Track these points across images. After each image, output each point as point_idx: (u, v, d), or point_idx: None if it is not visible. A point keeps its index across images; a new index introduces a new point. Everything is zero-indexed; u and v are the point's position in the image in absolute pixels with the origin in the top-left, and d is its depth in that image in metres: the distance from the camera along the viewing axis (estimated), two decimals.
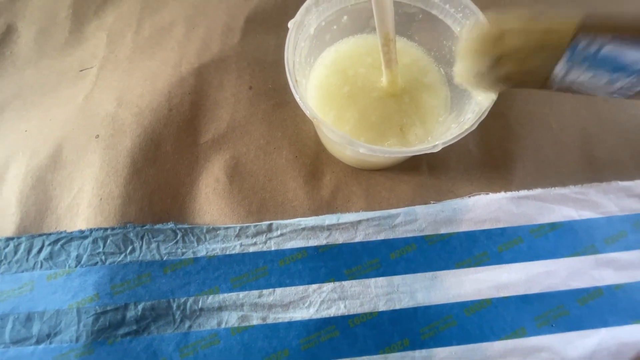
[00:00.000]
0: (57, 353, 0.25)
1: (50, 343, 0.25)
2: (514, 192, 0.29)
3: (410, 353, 0.25)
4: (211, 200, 0.29)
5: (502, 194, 0.29)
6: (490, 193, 0.29)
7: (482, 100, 0.24)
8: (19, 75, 0.35)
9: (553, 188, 0.29)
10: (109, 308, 0.25)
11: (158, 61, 0.34)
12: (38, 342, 0.25)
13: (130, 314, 0.25)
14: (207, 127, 0.32)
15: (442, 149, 0.23)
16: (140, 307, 0.26)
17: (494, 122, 0.31)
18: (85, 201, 0.28)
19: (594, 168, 0.30)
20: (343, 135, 0.23)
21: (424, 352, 0.25)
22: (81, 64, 0.35)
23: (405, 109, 0.28)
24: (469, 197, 0.29)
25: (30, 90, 0.34)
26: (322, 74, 0.29)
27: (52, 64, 0.35)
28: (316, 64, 0.30)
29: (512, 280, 0.27)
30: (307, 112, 0.23)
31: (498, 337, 0.25)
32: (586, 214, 0.29)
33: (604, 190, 0.29)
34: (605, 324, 0.25)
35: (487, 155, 0.31)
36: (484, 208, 0.29)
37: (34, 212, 0.29)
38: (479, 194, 0.29)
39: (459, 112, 0.26)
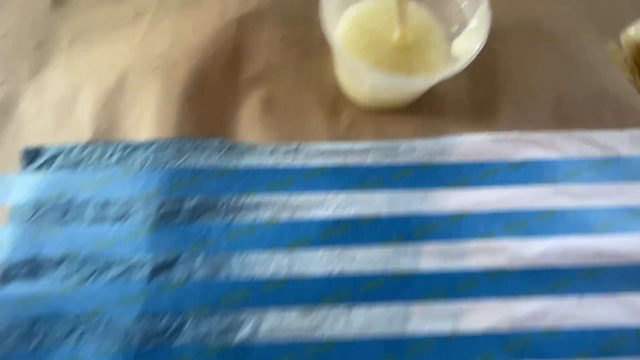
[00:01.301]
0: (129, 230, 0.31)
1: (123, 224, 0.32)
2: (494, 134, 0.36)
3: (402, 247, 0.32)
4: (250, 124, 0.35)
5: (485, 135, 0.36)
6: (476, 134, 0.36)
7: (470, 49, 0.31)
8: (83, 16, 0.41)
9: (527, 132, 0.36)
10: (168, 200, 0.32)
11: (205, 11, 0.40)
12: (114, 222, 0.32)
13: (185, 206, 0.32)
14: (246, 67, 0.38)
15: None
16: (193, 201, 0.32)
17: (483, 77, 0.38)
18: (148, 120, 0.35)
19: (562, 119, 0.37)
20: (367, 65, 0.29)
21: (414, 246, 0.32)
22: (136, 10, 0.41)
23: (412, 60, 0.34)
24: (459, 135, 0.36)
25: (94, 29, 0.40)
26: (345, 27, 0.35)
27: (111, 7, 0.41)
28: (340, 19, 0.36)
29: (487, 199, 0.34)
30: (335, 47, 0.30)
31: (473, 238, 0.32)
32: (551, 155, 0.35)
33: (567, 138, 0.36)
34: (555, 233, 0.33)
35: (476, 104, 0.37)
36: (470, 145, 0.35)
37: (105, 127, 0.35)
38: (467, 134, 0.36)
39: (455, 62, 0.33)
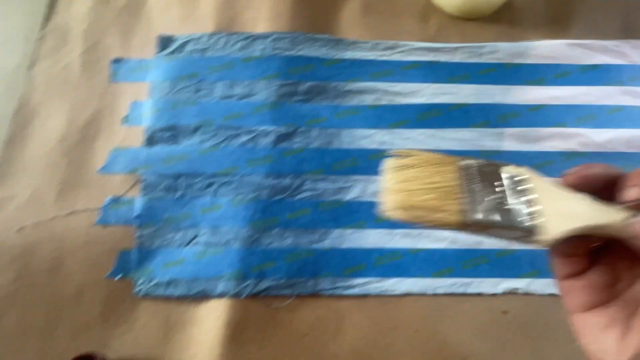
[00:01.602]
0: (255, 105, 0.37)
1: (249, 100, 0.37)
2: (569, 40, 0.40)
3: (489, 129, 0.37)
4: (351, 24, 0.40)
5: (560, 41, 0.40)
6: (552, 40, 0.40)
7: None
8: None
9: (598, 40, 0.40)
10: (286, 82, 0.37)
11: None
12: (240, 99, 0.37)
13: (300, 88, 0.37)
14: None
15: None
16: (306, 85, 0.37)
17: None
18: (264, 15, 0.40)
19: (630, 30, 0.41)
20: None
21: (497, 130, 0.37)
22: None
23: None
24: (538, 41, 0.40)
25: None
26: None
27: None
28: None
29: (561, 95, 0.38)
30: None
31: (548, 126, 0.37)
32: (619, 61, 0.40)
33: (634, 46, 0.40)
34: (621, 126, 0.37)
35: (551, 14, 0.42)
36: (546, 49, 0.40)
37: (226, 20, 0.40)
38: (545, 40, 0.40)
39: None
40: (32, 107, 0.37)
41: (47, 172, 0.35)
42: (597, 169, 0.20)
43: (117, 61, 0.39)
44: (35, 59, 0.38)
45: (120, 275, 0.33)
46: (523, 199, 0.21)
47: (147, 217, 0.34)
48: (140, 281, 0.33)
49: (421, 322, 0.34)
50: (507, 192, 0.21)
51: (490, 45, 0.40)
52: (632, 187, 0.19)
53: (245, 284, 0.33)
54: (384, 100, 0.38)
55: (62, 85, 0.37)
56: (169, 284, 0.33)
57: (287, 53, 0.38)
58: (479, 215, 0.21)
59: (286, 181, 0.35)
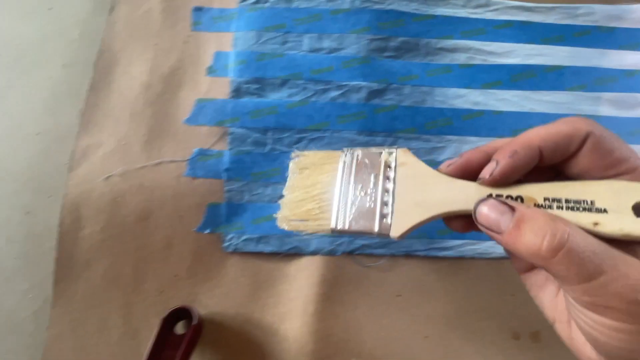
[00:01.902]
0: (344, 60, 0.35)
1: (338, 54, 0.35)
2: None
3: (585, 93, 0.35)
4: None
5: None
6: None
7: None
8: None
9: None
10: (377, 37, 0.36)
11: None
12: (329, 52, 0.35)
13: (391, 44, 0.36)
14: None
15: None
16: (398, 40, 0.36)
17: None
18: None
19: None
20: None
21: (594, 94, 0.35)
22: None
23: None
24: (635, 4, 0.38)
25: None
26: None
27: None
28: None
29: None
30: None
31: None
32: None
33: None
34: None
35: None
36: None
37: None
38: None
39: None
40: (114, 54, 0.35)
41: (132, 121, 0.34)
42: (473, 155, 0.22)
43: (198, 9, 0.37)
44: (114, 3, 0.36)
45: (209, 229, 0.32)
46: (388, 188, 0.23)
47: (236, 171, 0.33)
48: (230, 236, 0.32)
49: (519, 285, 0.33)
50: (378, 185, 0.23)
51: (585, 7, 0.38)
52: (489, 163, 0.21)
53: (340, 241, 0.32)
54: (477, 60, 0.36)
55: (143, 31, 0.36)
56: (259, 240, 0.32)
57: (377, 7, 0.36)
58: (344, 225, 0.23)
59: (378, 139, 0.34)
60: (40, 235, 0.33)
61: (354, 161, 0.24)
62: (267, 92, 0.35)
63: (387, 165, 0.23)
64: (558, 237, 0.18)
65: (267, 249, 0.32)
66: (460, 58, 0.36)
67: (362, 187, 0.23)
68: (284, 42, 0.36)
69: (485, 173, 0.21)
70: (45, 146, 0.35)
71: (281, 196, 0.25)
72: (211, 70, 0.35)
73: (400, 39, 0.36)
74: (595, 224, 0.19)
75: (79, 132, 0.34)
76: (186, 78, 0.35)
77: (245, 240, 0.32)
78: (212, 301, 0.32)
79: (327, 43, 0.36)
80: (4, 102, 0.36)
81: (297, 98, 0.34)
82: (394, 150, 0.24)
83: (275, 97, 0.35)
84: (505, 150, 0.20)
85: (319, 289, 0.32)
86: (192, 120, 0.34)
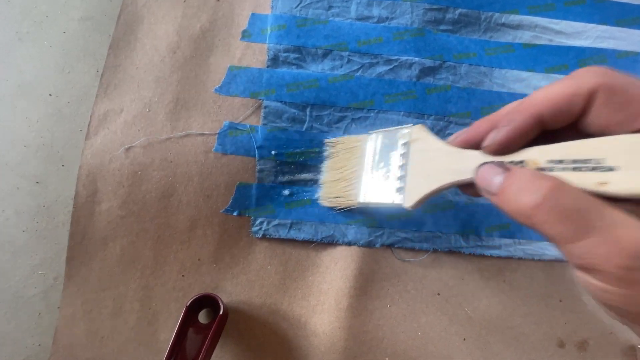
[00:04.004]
0: (395, 31, 0.31)
1: (389, 24, 0.32)
2: None
3: None
4: None
5: None
6: None
7: None
8: None
9: None
10: (434, 7, 0.32)
11: None
12: (379, 22, 0.32)
13: (449, 15, 0.32)
14: None
15: None
16: (456, 12, 0.32)
17: None
18: None
19: None
20: None
21: None
22: None
23: None
24: None
25: None
26: None
27: None
28: None
29: None
30: None
31: None
32: None
33: None
34: None
35: None
36: None
37: None
38: None
39: None
40: (138, 8, 0.31)
41: (157, 87, 0.30)
42: (480, 125, 0.22)
43: None
44: None
45: (237, 212, 0.30)
46: (404, 163, 0.25)
47: (269, 150, 0.30)
48: (259, 220, 0.30)
49: (568, 291, 0.31)
50: (396, 161, 0.25)
51: None
52: (491, 132, 0.21)
53: (379, 232, 0.30)
54: (543, 40, 0.32)
55: None
56: (291, 226, 0.30)
57: None
58: (366, 199, 0.27)
59: (428, 122, 0.30)
60: (51, 208, 0.30)
61: (378, 143, 0.27)
62: (307, 62, 0.31)
63: (403, 143, 0.25)
64: (541, 194, 0.17)
65: (300, 236, 0.30)
66: (524, 36, 0.32)
67: (383, 165, 0.26)
68: (329, 7, 0.32)
69: (487, 142, 0.21)
70: (58, 109, 0.31)
71: (319, 179, 0.30)
72: (246, 35, 0.31)
73: (460, 10, 0.32)
74: (602, 183, 0.17)
75: (97, 96, 0.30)
76: (218, 41, 0.31)
77: (276, 225, 0.30)
78: (236, 289, 0.30)
79: (377, 11, 0.32)
80: (12, 56, 0.32)
81: (340, 72, 0.31)
82: (410, 127, 0.25)
83: (316, 69, 0.31)
84: (505, 119, 0.20)
85: (354, 282, 0.29)
86: (224, 89, 0.31)
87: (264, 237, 0.30)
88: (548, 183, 0.17)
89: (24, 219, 0.30)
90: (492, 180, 0.19)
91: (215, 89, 0.30)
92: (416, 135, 0.24)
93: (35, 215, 0.30)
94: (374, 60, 0.31)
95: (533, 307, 0.31)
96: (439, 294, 0.30)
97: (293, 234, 0.30)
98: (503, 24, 0.32)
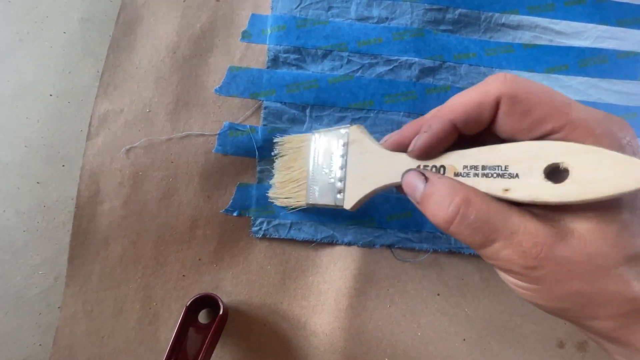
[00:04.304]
0: (394, 31, 0.31)
1: (389, 24, 0.32)
2: None
3: None
4: None
5: None
6: None
7: None
8: None
9: None
10: (434, 7, 0.32)
11: None
12: (379, 22, 0.32)
13: (449, 15, 0.32)
14: None
15: None
16: (456, 12, 0.32)
17: None
18: None
19: None
20: None
21: None
22: None
23: None
24: None
25: None
26: None
27: None
28: None
29: None
30: None
31: None
32: None
33: None
34: None
35: None
36: None
37: None
38: None
39: None
40: (137, 8, 0.31)
41: (157, 87, 0.30)
42: (408, 128, 0.22)
43: None
44: None
45: (237, 212, 0.30)
46: (343, 165, 0.26)
47: (270, 150, 0.30)
48: (259, 220, 0.30)
49: None
50: (336, 163, 0.26)
51: None
52: (415, 137, 0.21)
53: (379, 233, 0.30)
54: (543, 40, 0.32)
55: None
56: (291, 226, 0.30)
57: None
58: (314, 200, 0.27)
59: None
60: (52, 208, 0.30)
61: (321, 143, 0.27)
62: (307, 63, 0.31)
63: (343, 144, 0.26)
64: (453, 209, 0.19)
65: (300, 236, 0.30)
66: (524, 36, 0.32)
67: (325, 166, 0.26)
68: (329, 8, 0.32)
69: (410, 147, 0.22)
70: (58, 109, 0.31)
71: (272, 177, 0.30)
72: (246, 35, 0.32)
73: (460, 10, 0.32)
74: (506, 190, 0.19)
75: (97, 96, 0.30)
76: (218, 42, 0.31)
77: (276, 225, 0.30)
78: (236, 289, 0.30)
79: (376, 11, 0.32)
80: (14, 57, 0.32)
81: (340, 72, 0.31)
82: (348, 128, 0.26)
83: (316, 69, 0.31)
84: (426, 124, 0.21)
85: (354, 282, 0.29)
86: (224, 90, 0.31)
87: (264, 237, 0.30)
88: (459, 197, 0.19)
89: (25, 219, 0.30)
90: (416, 188, 0.21)
91: (215, 90, 0.30)
92: (353, 136, 0.25)
93: (36, 216, 0.30)
94: (374, 61, 0.31)
95: (533, 307, 0.30)
96: (438, 295, 0.30)
97: (293, 234, 0.30)
98: (503, 24, 0.32)
